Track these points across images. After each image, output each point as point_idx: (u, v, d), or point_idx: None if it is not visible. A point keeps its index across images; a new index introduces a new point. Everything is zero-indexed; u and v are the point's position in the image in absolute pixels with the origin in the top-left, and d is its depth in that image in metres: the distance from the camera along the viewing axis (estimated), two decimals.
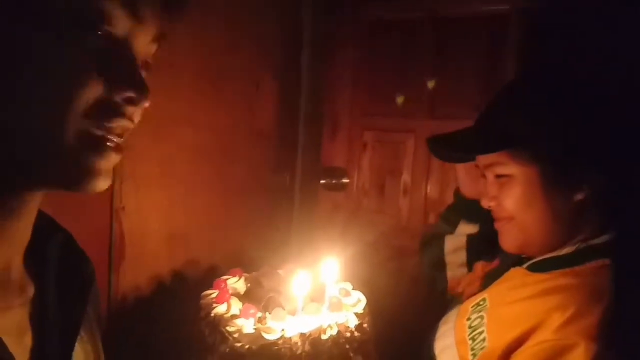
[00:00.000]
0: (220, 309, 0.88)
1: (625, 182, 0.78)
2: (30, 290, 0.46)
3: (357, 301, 0.93)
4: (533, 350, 0.71)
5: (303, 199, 1.75)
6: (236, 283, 0.99)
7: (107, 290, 1.14)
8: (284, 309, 0.84)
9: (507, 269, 0.88)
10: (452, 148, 0.90)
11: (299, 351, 0.77)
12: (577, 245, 0.79)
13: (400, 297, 1.57)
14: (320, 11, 1.73)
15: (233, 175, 1.45)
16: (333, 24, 1.77)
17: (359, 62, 1.78)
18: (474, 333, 0.80)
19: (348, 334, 0.82)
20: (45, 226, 0.49)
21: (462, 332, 0.82)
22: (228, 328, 0.82)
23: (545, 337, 0.70)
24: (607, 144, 0.77)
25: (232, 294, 0.93)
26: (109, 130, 0.41)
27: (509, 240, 0.84)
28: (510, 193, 0.81)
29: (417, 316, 1.19)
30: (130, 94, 0.40)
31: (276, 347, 0.78)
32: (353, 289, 0.98)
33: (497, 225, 0.85)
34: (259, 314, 0.84)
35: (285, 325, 0.81)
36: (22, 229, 0.45)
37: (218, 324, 0.83)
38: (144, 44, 0.43)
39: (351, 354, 0.81)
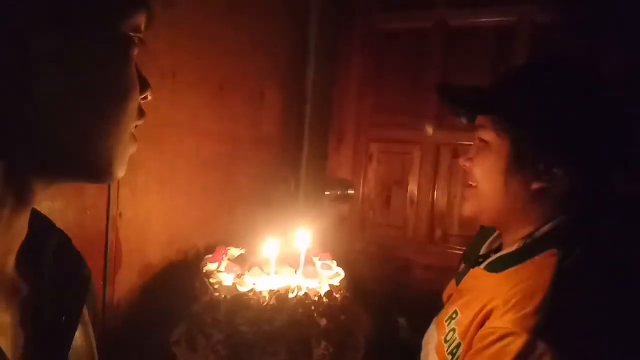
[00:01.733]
0: (211, 266, 1.01)
1: (583, 181, 0.79)
2: (24, 290, 0.45)
3: (335, 275, 1.02)
4: (478, 337, 0.76)
5: (308, 210, 1.73)
6: (235, 251, 1.11)
7: (102, 298, 1.12)
8: (262, 270, 0.96)
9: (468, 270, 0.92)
10: (455, 103, 0.94)
11: (264, 303, 0.88)
12: (524, 241, 0.81)
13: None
14: (327, 21, 1.71)
15: (236, 184, 1.43)
16: (340, 34, 1.76)
17: (366, 72, 1.78)
18: (451, 347, 0.83)
19: (316, 298, 0.91)
20: (41, 225, 0.49)
21: (442, 351, 0.85)
22: (211, 280, 0.95)
23: (488, 326, 0.74)
24: (579, 146, 0.78)
25: (228, 258, 1.05)
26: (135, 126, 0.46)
27: (467, 205, 0.90)
28: (481, 159, 0.85)
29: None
30: (146, 92, 0.46)
31: (246, 298, 0.89)
32: (337, 265, 1.07)
33: (465, 193, 0.92)
34: (239, 272, 0.96)
35: (259, 281, 0.93)
36: (22, 225, 0.43)
37: (206, 276, 0.97)
38: None
39: (315, 315, 0.90)
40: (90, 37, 0.39)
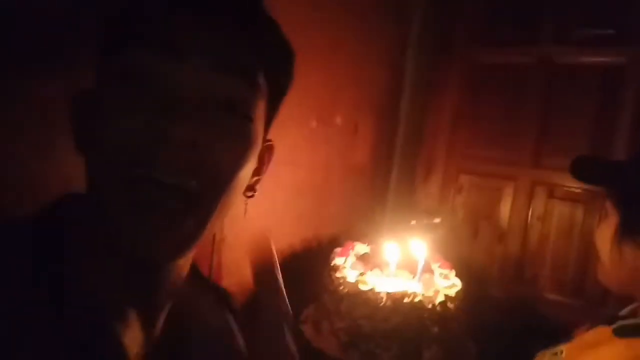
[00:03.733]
0: (339, 260, 1.11)
1: None
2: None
3: (452, 285, 1.06)
4: None
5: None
6: (361, 247, 1.21)
7: None
8: (382, 271, 1.05)
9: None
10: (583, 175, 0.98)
11: (381, 304, 0.96)
12: None
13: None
14: (425, 53, 1.77)
15: (326, 211, 1.50)
16: (437, 67, 1.81)
17: (462, 105, 1.80)
18: None
19: (430, 306, 0.97)
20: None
21: None
22: (337, 275, 1.05)
23: None
24: None
25: (354, 254, 1.15)
26: None
27: (598, 272, 0.93)
28: (599, 228, 0.91)
29: None
30: None
31: (365, 296, 0.98)
32: (455, 276, 1.11)
33: None
34: (362, 270, 1.05)
35: (378, 282, 1.01)
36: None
37: (333, 270, 1.07)
38: None
39: (427, 322, 0.96)
40: None
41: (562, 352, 0.91)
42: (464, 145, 1.79)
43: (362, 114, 1.58)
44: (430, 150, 1.84)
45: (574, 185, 1.57)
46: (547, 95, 1.58)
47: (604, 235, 0.87)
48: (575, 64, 1.53)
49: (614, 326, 0.86)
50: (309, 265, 1.34)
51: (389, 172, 1.78)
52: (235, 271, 1.25)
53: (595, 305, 1.47)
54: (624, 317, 0.89)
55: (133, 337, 0.47)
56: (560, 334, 1.07)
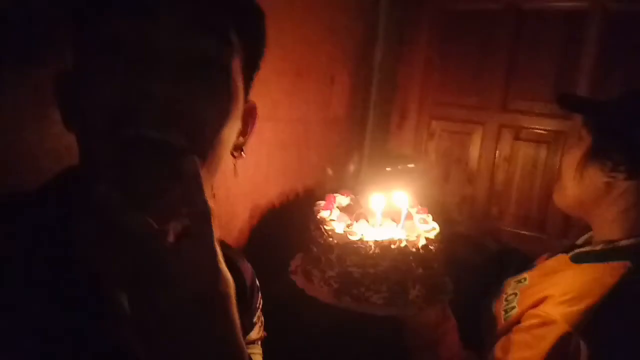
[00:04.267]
0: (324, 213, 1.16)
1: None
2: None
3: (432, 229, 1.14)
4: (528, 314, 0.90)
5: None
6: (342, 199, 1.27)
7: None
8: (367, 221, 1.11)
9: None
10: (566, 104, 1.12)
11: (370, 251, 1.03)
12: (608, 245, 0.93)
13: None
14: (397, 4, 1.78)
15: (308, 162, 1.55)
16: (408, 17, 1.82)
17: (433, 53, 1.83)
18: (508, 306, 1.01)
19: (414, 249, 1.04)
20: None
21: (500, 305, 1.05)
22: (326, 227, 1.10)
23: (541, 309, 0.88)
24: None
25: (337, 206, 1.22)
26: None
27: (554, 196, 1.06)
28: (567, 154, 1.04)
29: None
30: None
31: (355, 246, 1.04)
32: (432, 220, 1.19)
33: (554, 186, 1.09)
34: (349, 222, 1.11)
35: (366, 232, 1.07)
36: None
37: (320, 223, 1.12)
38: None
39: (413, 265, 1.04)
40: None
41: (525, 280, 1.04)
42: (436, 92, 1.85)
43: (338, 66, 1.61)
44: (404, 99, 1.89)
45: (538, 127, 1.66)
46: (514, 40, 1.63)
47: (573, 157, 0.99)
48: (541, 9, 1.58)
49: (571, 254, 0.99)
50: (292, 217, 1.41)
51: (364, 121, 1.83)
52: (226, 226, 1.30)
53: (557, 237, 1.62)
54: (580, 246, 1.02)
55: None
56: (525, 264, 1.20)
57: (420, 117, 1.90)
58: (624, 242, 0.91)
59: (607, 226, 0.94)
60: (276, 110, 1.37)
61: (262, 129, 1.34)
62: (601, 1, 1.44)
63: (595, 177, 0.95)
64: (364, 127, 1.85)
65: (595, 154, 0.95)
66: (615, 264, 0.88)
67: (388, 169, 1.94)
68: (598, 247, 0.94)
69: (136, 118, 0.45)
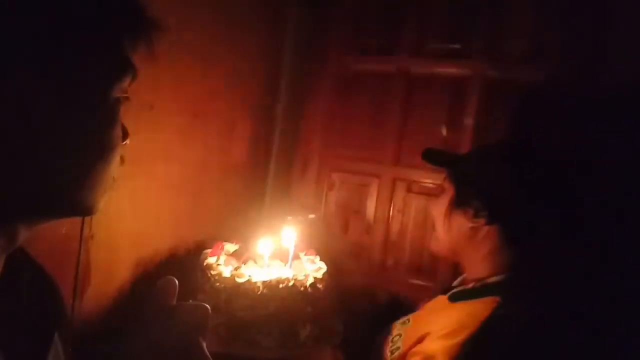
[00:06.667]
0: (211, 259, 1.14)
1: (515, 234, 1.03)
2: None
3: (318, 269, 1.16)
4: (411, 353, 0.96)
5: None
6: (230, 246, 1.26)
7: (70, 313, 1.13)
8: (255, 263, 1.11)
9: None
10: (430, 159, 1.24)
11: (259, 292, 1.02)
12: (478, 283, 1.02)
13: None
14: (300, 61, 1.86)
15: (206, 207, 1.50)
16: (312, 73, 1.91)
17: (333, 109, 1.92)
18: (393, 347, 1.06)
19: (302, 288, 1.05)
20: (16, 258, 0.50)
21: (387, 347, 1.09)
22: (212, 272, 1.08)
23: (421, 346, 0.94)
24: (496, 200, 1.02)
25: (224, 253, 1.19)
26: None
27: (431, 243, 1.15)
28: (436, 203, 1.13)
29: None
30: (126, 140, 0.52)
31: (243, 287, 1.03)
32: (320, 260, 1.22)
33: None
34: (236, 265, 1.10)
35: (253, 273, 1.07)
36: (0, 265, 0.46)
37: (207, 269, 1.10)
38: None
39: (302, 303, 1.04)
40: (84, 103, 0.44)
41: (409, 321, 1.10)
42: (336, 145, 1.91)
43: (238, 113, 1.61)
44: (306, 150, 1.93)
45: (428, 181, 1.77)
46: (405, 100, 1.76)
47: (440, 206, 1.08)
48: (429, 74, 1.73)
49: (449, 294, 1.06)
50: (184, 267, 1.33)
51: (266, 170, 1.84)
52: (107, 268, 1.19)
53: (447, 285, 1.69)
54: (457, 287, 1.09)
55: None
56: (414, 309, 1.24)
57: (321, 168, 1.95)
58: (492, 279, 0.99)
59: (477, 266, 1.02)
60: (169, 150, 1.33)
61: (153, 170, 1.29)
62: (480, 69, 1.63)
63: (461, 223, 1.05)
64: (266, 175, 1.85)
65: (458, 203, 1.06)
66: (486, 299, 0.96)
67: (289, 218, 1.94)
68: (470, 286, 1.01)
69: None
